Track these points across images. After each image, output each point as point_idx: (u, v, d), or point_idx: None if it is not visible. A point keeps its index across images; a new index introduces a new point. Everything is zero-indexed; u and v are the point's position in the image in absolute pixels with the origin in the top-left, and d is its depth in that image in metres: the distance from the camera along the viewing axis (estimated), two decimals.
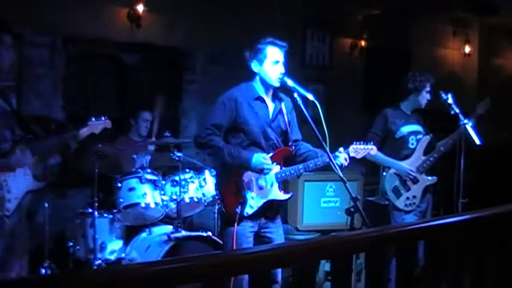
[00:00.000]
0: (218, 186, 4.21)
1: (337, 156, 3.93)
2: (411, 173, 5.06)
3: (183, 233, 4.83)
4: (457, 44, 9.85)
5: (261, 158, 3.91)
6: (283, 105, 4.09)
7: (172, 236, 4.74)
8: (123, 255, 5.01)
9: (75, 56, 6.16)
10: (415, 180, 5.08)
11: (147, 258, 4.72)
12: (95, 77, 6.46)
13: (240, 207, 3.89)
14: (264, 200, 3.97)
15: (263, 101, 4.02)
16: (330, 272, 5.02)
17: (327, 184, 5.64)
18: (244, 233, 3.94)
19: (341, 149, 3.98)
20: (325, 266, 5.17)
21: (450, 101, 4.86)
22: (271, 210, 4.06)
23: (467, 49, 9.88)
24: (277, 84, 3.95)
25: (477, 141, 4.75)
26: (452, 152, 4.96)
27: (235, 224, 3.88)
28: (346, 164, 3.96)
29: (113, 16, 6.23)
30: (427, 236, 2.92)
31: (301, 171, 4.00)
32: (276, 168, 4.00)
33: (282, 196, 4.04)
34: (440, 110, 5.01)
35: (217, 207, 5.34)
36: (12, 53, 3.86)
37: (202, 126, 4.05)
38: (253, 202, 3.94)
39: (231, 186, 3.95)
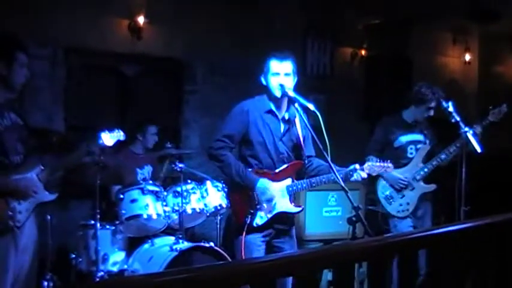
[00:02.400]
0: (229, 195, 4.22)
1: (355, 170, 3.92)
2: (401, 181, 5.08)
3: (186, 243, 4.82)
4: (457, 52, 9.85)
5: (264, 184, 3.91)
6: (296, 119, 4.07)
7: (175, 247, 4.74)
8: (125, 266, 5.01)
9: (76, 68, 6.19)
10: (410, 187, 5.10)
11: (149, 270, 4.71)
12: (96, 89, 6.48)
13: (249, 217, 3.89)
14: (275, 212, 3.96)
15: (274, 114, 4.02)
16: (332, 282, 5.02)
17: (329, 194, 5.65)
18: (255, 242, 3.93)
19: (357, 165, 3.96)
20: (327, 275, 5.16)
21: (451, 109, 4.85)
22: (282, 222, 4.05)
23: (467, 57, 9.88)
24: (278, 94, 3.95)
25: (478, 149, 4.74)
26: (453, 160, 4.96)
27: (244, 233, 3.87)
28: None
29: (114, 28, 6.26)
30: (429, 245, 2.92)
31: (314, 185, 3.98)
32: (288, 181, 4.00)
33: (292, 209, 4.04)
34: (441, 118, 5.01)
35: (219, 217, 5.35)
36: (26, 71, 3.84)
37: (203, 137, 4.06)
38: (264, 213, 3.93)
39: (242, 197, 3.96)
